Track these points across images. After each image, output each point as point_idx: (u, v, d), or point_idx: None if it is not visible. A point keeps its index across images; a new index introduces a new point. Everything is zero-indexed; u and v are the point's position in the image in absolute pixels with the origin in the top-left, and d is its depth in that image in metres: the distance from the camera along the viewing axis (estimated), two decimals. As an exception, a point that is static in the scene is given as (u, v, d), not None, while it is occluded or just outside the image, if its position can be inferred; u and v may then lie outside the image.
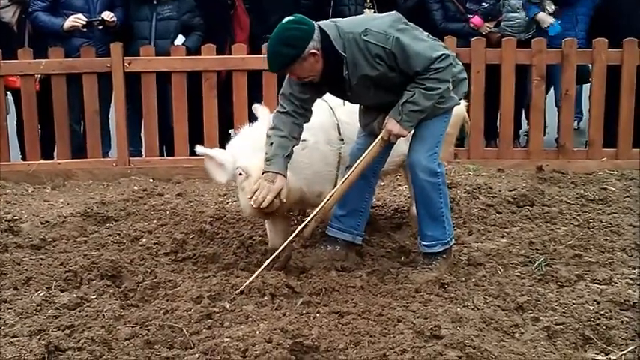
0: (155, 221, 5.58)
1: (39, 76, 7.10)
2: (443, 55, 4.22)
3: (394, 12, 4.46)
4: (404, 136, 4.35)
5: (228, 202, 6.06)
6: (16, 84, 7.09)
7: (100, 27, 7.16)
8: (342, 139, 4.77)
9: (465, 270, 4.57)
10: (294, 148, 4.38)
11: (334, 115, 4.81)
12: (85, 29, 7.11)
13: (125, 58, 6.98)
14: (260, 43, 7.08)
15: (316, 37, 4.14)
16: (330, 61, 4.19)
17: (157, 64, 7.06)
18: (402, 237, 5.16)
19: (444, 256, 4.51)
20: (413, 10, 7.68)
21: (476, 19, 7.73)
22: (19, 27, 7.27)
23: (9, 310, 3.98)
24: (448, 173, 6.78)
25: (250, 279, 4.19)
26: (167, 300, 4.06)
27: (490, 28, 7.80)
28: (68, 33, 7.11)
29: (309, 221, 4.43)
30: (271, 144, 4.31)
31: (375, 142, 4.38)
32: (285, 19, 4.21)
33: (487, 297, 4.19)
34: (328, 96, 4.68)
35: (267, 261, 4.33)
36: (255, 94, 7.13)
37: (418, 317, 3.87)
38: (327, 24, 4.26)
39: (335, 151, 4.78)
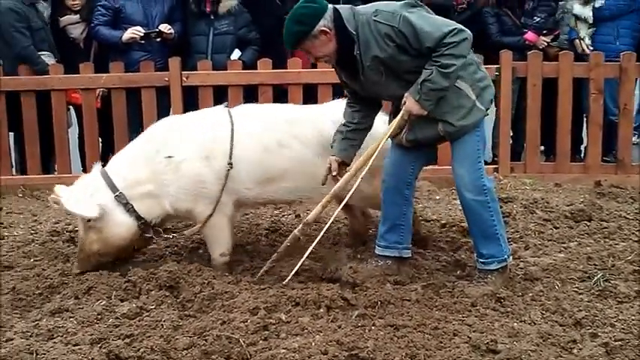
0: (212, 233, 5.64)
1: (100, 93, 7.25)
2: (455, 29, 4.15)
3: None
4: (423, 115, 4.27)
5: (283, 215, 6.09)
6: (78, 101, 7.25)
7: (158, 39, 7.28)
8: (231, 163, 4.70)
9: (522, 285, 4.53)
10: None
11: (231, 137, 4.73)
12: (142, 41, 7.24)
13: (183, 72, 7.09)
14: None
15: (328, 16, 4.24)
16: (343, 42, 4.26)
17: (214, 78, 7.16)
18: (458, 251, 5.14)
19: (500, 270, 4.48)
20: (466, 22, 7.68)
21: (530, 35, 7.66)
22: (86, 44, 7.45)
23: (71, 319, 4.06)
24: (504, 187, 6.76)
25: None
26: (224, 311, 4.09)
27: (547, 42, 7.73)
28: (127, 45, 7.25)
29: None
30: (335, 132, 4.62)
31: (394, 120, 4.38)
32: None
33: (544, 312, 4.15)
34: (237, 119, 4.81)
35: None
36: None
37: (474, 331, 3.85)
38: (343, 6, 4.34)
39: (214, 170, 4.72)
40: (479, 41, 7.66)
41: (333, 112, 4.88)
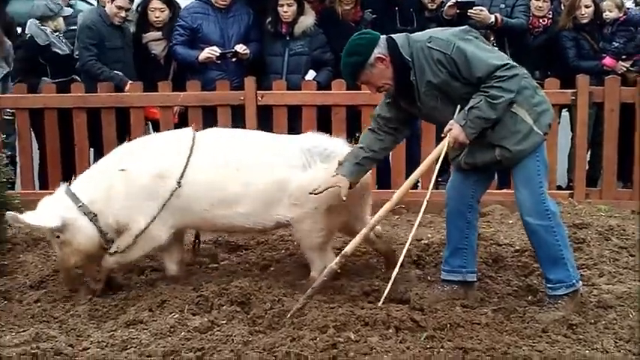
0: (283, 251, 5.71)
1: (177, 109, 7.40)
2: (508, 64, 4.20)
3: (465, 26, 4.56)
4: (466, 144, 4.29)
5: (354, 235, 6.10)
6: (156, 115, 7.41)
7: (233, 59, 7.38)
8: (180, 183, 4.71)
9: (595, 312, 4.46)
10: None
11: (189, 156, 4.76)
12: (218, 61, 7.35)
13: (258, 91, 7.18)
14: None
15: (382, 43, 4.34)
16: (399, 68, 4.32)
17: (288, 98, 7.23)
18: (530, 276, 5.08)
19: (570, 295, 4.42)
20: (542, 47, 7.65)
21: (608, 60, 7.52)
22: (166, 61, 7.61)
23: (144, 331, 4.16)
24: (579, 213, 6.65)
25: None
26: (294, 328, 4.13)
27: (626, 67, 7.58)
28: (203, 64, 7.38)
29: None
30: (349, 153, 4.64)
31: (437, 148, 4.38)
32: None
33: (617, 341, 4.08)
34: (199, 141, 4.82)
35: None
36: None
37: (545, 358, 3.82)
38: (398, 34, 4.42)
39: (164, 188, 4.73)
40: (555, 65, 7.65)
41: (301, 141, 4.96)
